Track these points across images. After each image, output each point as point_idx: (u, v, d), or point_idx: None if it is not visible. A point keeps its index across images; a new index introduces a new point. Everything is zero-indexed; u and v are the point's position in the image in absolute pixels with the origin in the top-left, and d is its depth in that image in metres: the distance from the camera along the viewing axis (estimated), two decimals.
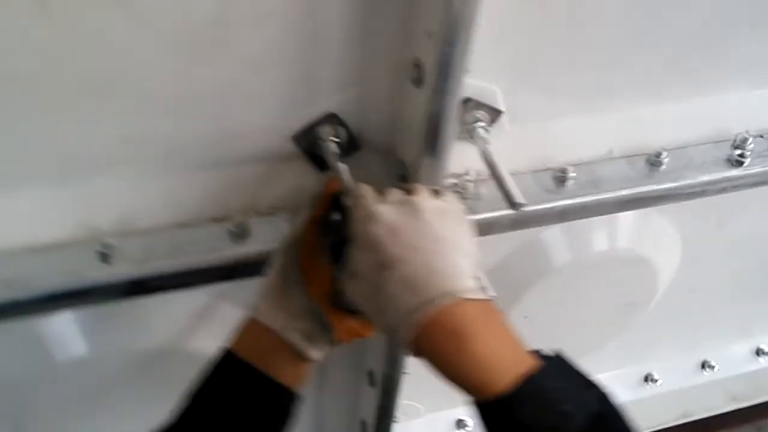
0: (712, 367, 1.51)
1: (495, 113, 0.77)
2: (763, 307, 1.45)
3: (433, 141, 0.65)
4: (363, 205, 0.59)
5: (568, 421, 0.50)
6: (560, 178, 0.79)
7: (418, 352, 0.55)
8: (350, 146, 0.73)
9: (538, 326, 1.11)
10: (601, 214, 0.81)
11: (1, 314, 0.64)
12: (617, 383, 1.45)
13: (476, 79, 0.73)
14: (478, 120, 0.75)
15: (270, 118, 0.69)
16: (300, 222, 0.66)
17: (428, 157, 0.66)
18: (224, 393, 0.62)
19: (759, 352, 1.57)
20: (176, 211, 0.70)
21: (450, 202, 0.61)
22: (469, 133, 0.76)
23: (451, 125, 0.64)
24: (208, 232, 0.70)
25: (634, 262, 1.06)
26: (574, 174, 0.80)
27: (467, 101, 0.75)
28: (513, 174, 0.78)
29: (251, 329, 0.62)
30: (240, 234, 0.70)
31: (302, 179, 0.74)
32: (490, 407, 0.52)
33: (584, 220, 0.91)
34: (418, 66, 0.62)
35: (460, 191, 0.77)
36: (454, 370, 0.53)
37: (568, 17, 0.71)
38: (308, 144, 0.72)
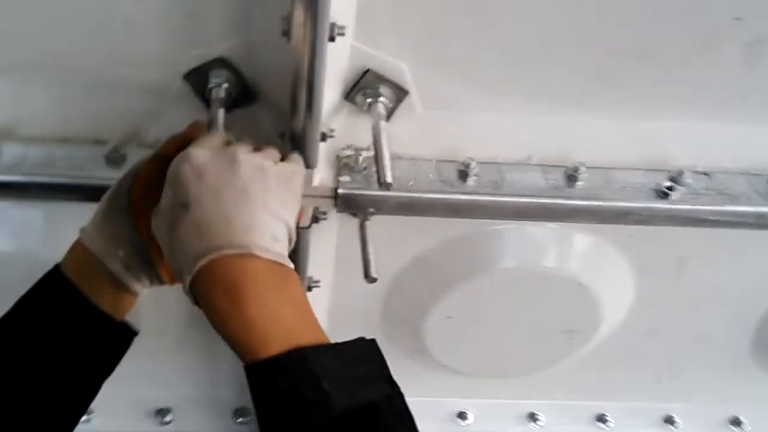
0: (673, 423, 1.41)
1: (400, 92, 0.74)
2: (736, 376, 1.34)
3: (304, 98, 0.63)
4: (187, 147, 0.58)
5: (329, 401, 0.48)
6: (463, 172, 0.76)
7: (197, 301, 0.54)
8: (242, 96, 0.72)
9: (461, 331, 1.07)
10: (499, 218, 0.78)
11: None
12: (565, 414, 1.38)
13: (379, 51, 0.71)
14: (379, 95, 0.73)
15: (161, 52, 0.69)
16: (145, 157, 0.65)
17: (297, 114, 0.65)
18: (43, 307, 0.62)
19: (736, 422, 1.46)
20: (61, 126, 0.72)
21: (279, 165, 0.60)
22: (368, 107, 0.74)
23: (319, 83, 0.62)
24: (85, 152, 0.71)
25: (574, 286, 1.01)
26: (478, 171, 0.76)
27: (367, 72, 0.72)
28: (416, 159, 0.76)
29: (78, 249, 0.63)
30: (115, 160, 0.71)
31: (191, 119, 0.73)
32: (253, 370, 0.50)
33: (531, 230, 0.87)
34: (287, 19, 0.60)
35: (349, 163, 0.75)
36: (225, 325, 0.51)
37: (478, 3, 0.68)
38: (199, 85, 0.71)
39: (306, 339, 0.50)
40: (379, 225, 0.77)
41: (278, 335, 0.50)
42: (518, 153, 0.79)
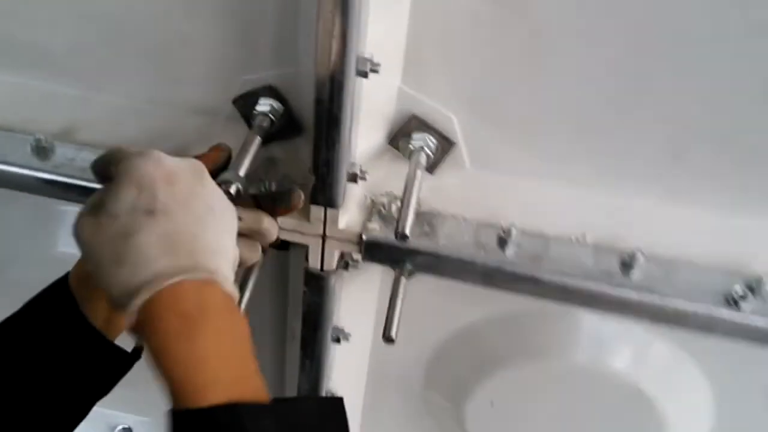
0: None
1: (447, 143, 0.70)
2: None
3: (324, 131, 0.61)
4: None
5: None
6: (502, 239, 0.70)
7: (138, 325, 0.47)
8: (288, 127, 0.71)
9: (503, 420, 0.97)
10: (534, 295, 0.70)
11: None
12: None
13: (427, 97, 0.68)
14: (423, 144, 0.70)
15: (214, 74, 0.71)
16: None
17: (319, 148, 0.63)
18: (42, 314, 0.58)
19: None
20: (114, 135, 0.74)
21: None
22: (409, 154, 0.70)
23: (344, 118, 0.60)
24: None
25: (638, 395, 0.89)
26: (520, 240, 0.70)
27: (412, 118, 0.69)
28: (455, 218, 0.71)
29: (81, 260, 0.58)
30: None
31: (238, 142, 0.73)
32: (179, 418, 0.44)
33: (595, 321, 0.79)
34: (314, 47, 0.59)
35: (381, 210, 0.71)
36: (167, 358, 0.45)
37: (539, 58, 0.63)
38: (246, 110, 0.71)
39: (248, 390, 0.44)
40: (424, 285, 0.72)
41: (221, 383, 0.44)
42: (569, 228, 0.71)
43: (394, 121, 0.71)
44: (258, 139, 0.68)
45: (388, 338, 0.70)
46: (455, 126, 0.70)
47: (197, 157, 0.62)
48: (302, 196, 0.64)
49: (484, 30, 0.62)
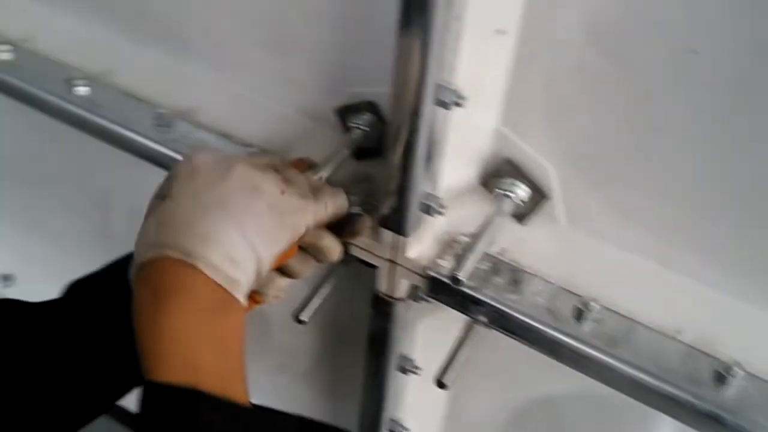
0: None
1: (539, 195, 0.64)
2: None
3: (400, 160, 0.58)
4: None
5: None
6: (580, 311, 0.62)
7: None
8: (381, 146, 0.70)
9: None
10: (602, 381, 0.61)
11: None
12: None
13: (525, 143, 0.63)
14: (512, 190, 0.64)
15: (325, 79, 0.71)
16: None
17: (390, 172, 0.60)
18: (109, 284, 0.60)
19: None
20: (227, 121, 0.77)
21: (286, 196, 0.54)
22: (496, 199, 0.65)
23: (420, 147, 0.57)
24: (235, 150, 0.75)
25: None
26: (601, 318, 0.62)
27: (506, 162, 0.64)
28: (534, 275, 0.65)
29: None
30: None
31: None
32: (147, 387, 0.44)
33: None
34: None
35: (457, 250, 0.66)
36: (139, 327, 0.47)
37: (649, 121, 0.56)
38: (346, 122, 0.71)
39: (211, 382, 0.43)
40: (508, 341, 0.66)
41: (179, 363, 0.44)
42: (664, 319, 0.62)
43: (489, 162, 0.66)
44: (345, 152, 0.67)
45: (440, 383, 0.66)
46: (551, 178, 0.63)
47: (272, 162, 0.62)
48: (368, 223, 0.62)
49: (590, 82, 0.56)
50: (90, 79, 0.80)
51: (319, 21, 0.67)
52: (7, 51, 0.83)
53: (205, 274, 0.47)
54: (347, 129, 0.71)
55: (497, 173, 0.66)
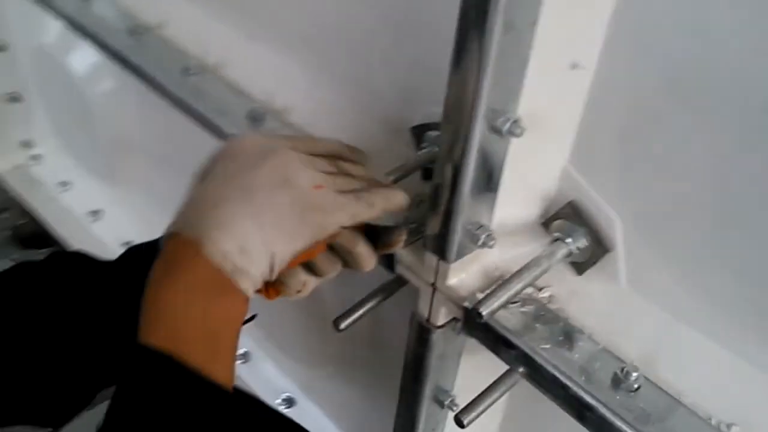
0: None
1: (600, 247, 0.60)
2: None
3: (448, 182, 0.57)
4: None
5: None
6: (618, 378, 0.57)
7: None
8: None
9: None
10: None
11: None
12: None
13: (593, 187, 0.59)
14: (570, 235, 0.61)
15: (406, 96, 0.71)
16: None
17: (437, 197, 0.59)
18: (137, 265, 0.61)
19: None
20: (312, 121, 0.80)
21: (321, 191, 0.53)
22: (552, 242, 0.62)
23: (465, 171, 0.55)
24: None
25: None
26: (641, 387, 0.56)
27: (569, 204, 0.61)
28: (579, 331, 0.61)
29: None
30: None
31: None
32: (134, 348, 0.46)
33: None
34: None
35: (498, 281, 0.63)
36: (146, 291, 0.48)
37: (730, 187, 0.50)
38: (419, 140, 0.71)
39: (191, 357, 0.44)
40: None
41: (162, 332, 0.45)
42: (714, 407, 0.55)
43: (553, 201, 0.63)
44: (412, 169, 0.67)
45: (458, 420, 0.63)
46: (616, 231, 0.59)
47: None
48: (404, 236, 0.60)
49: (666, 134, 0.51)
50: (203, 69, 0.86)
51: (405, 37, 0.68)
52: (142, 35, 0.91)
53: (207, 258, 0.48)
54: (420, 147, 0.70)
55: (558, 215, 0.62)
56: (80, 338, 0.61)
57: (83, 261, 0.66)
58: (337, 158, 0.60)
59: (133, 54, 0.89)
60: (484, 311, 0.55)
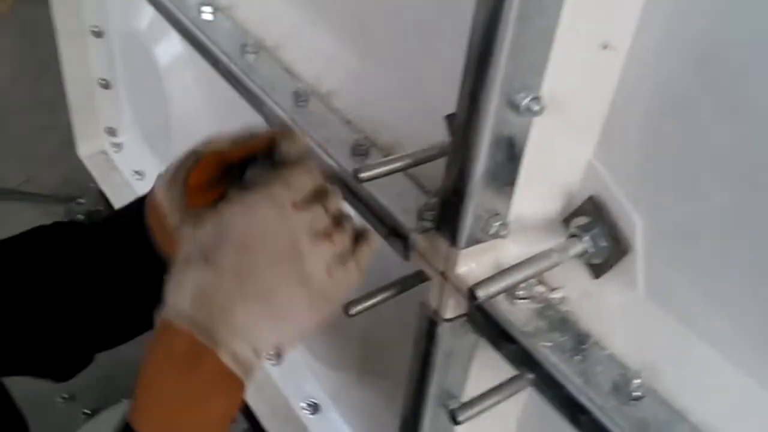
0: None
1: (618, 248, 0.57)
2: None
3: (459, 157, 0.56)
4: (269, 192, 0.54)
5: None
6: (618, 384, 0.53)
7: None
8: None
9: None
10: None
11: None
12: None
13: (615, 183, 0.56)
14: (587, 232, 0.58)
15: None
16: (214, 143, 0.63)
17: (447, 180, 0.57)
18: (119, 228, 0.67)
19: None
20: (350, 104, 0.81)
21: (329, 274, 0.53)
22: (569, 237, 0.59)
23: (476, 153, 0.53)
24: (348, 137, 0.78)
25: None
26: (641, 396, 0.52)
27: (589, 200, 0.58)
28: (591, 338, 0.57)
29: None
30: (360, 153, 0.75)
31: None
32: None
33: None
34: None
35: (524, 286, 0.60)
36: (141, 372, 0.50)
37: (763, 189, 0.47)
38: (451, 128, 0.69)
39: None
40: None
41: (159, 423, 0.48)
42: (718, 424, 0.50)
43: (575, 197, 0.60)
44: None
45: (453, 415, 0.61)
46: (637, 232, 0.56)
47: (253, 137, 0.63)
48: (373, 237, 0.60)
49: (691, 124, 0.48)
50: (261, 49, 0.89)
51: (454, 26, 0.67)
52: (210, 13, 0.94)
53: (220, 359, 0.49)
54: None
55: (577, 212, 0.59)
56: (79, 298, 0.65)
57: (81, 228, 0.70)
58: (320, 193, 0.58)
59: (200, 30, 0.93)
60: (481, 293, 0.53)
